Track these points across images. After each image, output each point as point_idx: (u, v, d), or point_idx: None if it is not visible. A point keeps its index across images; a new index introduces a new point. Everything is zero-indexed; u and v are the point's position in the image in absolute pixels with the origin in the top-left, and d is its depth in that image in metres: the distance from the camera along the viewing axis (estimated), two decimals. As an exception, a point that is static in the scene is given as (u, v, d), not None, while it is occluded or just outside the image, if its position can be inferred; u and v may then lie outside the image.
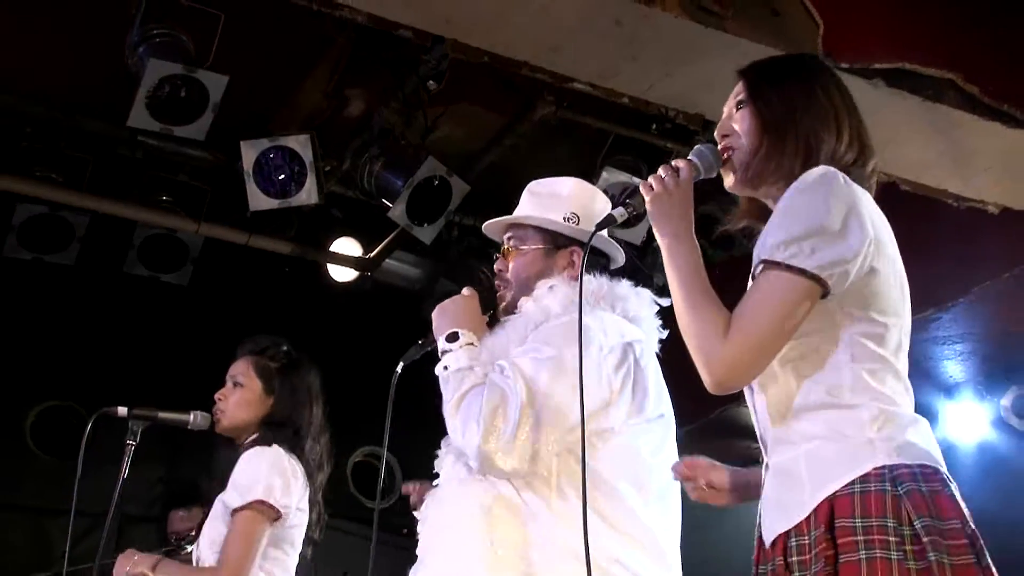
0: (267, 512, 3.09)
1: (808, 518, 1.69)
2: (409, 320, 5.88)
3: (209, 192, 5.13)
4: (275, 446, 3.21)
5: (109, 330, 5.49)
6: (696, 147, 1.99)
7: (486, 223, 2.69)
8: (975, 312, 5.01)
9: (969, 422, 5.79)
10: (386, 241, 5.43)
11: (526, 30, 3.69)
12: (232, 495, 3.12)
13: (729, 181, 1.98)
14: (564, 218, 2.56)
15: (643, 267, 5.25)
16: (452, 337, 2.36)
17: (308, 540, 3.30)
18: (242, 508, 3.07)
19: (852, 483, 1.67)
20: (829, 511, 1.66)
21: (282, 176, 4.65)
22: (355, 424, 3.60)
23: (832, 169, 1.81)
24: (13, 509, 5.26)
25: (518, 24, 3.66)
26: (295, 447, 3.25)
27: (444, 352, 2.36)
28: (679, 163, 1.94)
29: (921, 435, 1.75)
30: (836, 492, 1.67)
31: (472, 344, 2.35)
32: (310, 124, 4.77)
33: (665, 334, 2.47)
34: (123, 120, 4.20)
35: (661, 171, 1.93)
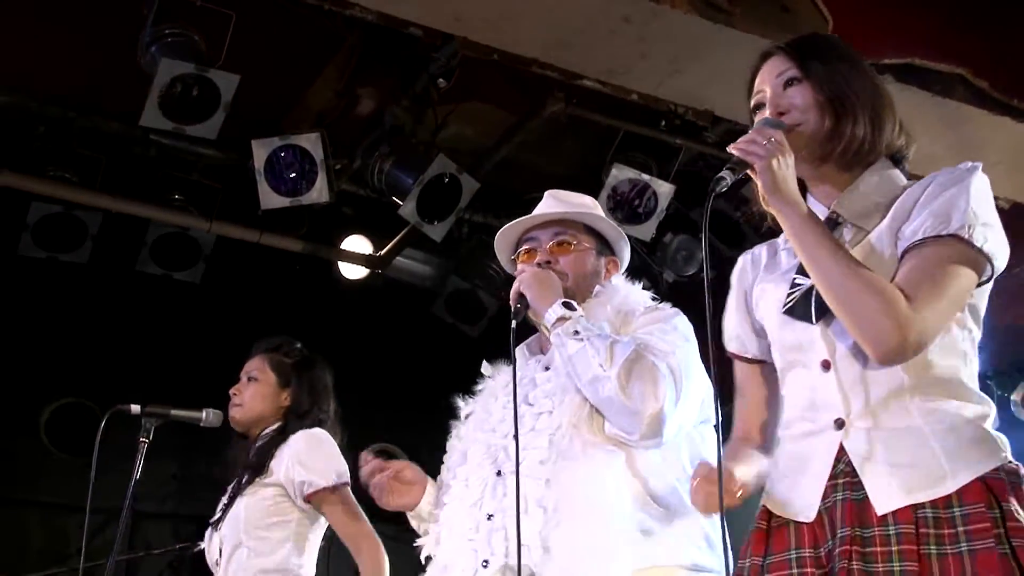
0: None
1: (952, 495, 1.67)
2: (419, 317, 5.93)
3: (221, 190, 5.16)
4: (318, 430, 3.29)
5: (122, 328, 5.52)
6: (763, 119, 1.89)
7: (522, 219, 2.58)
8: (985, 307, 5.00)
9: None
10: (397, 239, 5.44)
11: (535, 28, 3.70)
12: (312, 478, 3.17)
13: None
14: (611, 224, 2.63)
15: (653, 263, 5.27)
16: (568, 305, 2.35)
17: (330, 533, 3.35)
18: (335, 488, 3.18)
19: (997, 470, 1.69)
20: (985, 490, 1.66)
21: (293, 174, 4.67)
22: (365, 420, 3.62)
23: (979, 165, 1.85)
24: (29, 505, 5.30)
25: (527, 22, 3.67)
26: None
27: (562, 319, 2.31)
28: (769, 132, 1.81)
29: None
30: (986, 474, 1.68)
31: (583, 316, 2.35)
32: (321, 122, 4.79)
33: None
34: (136, 119, 4.23)
35: (758, 137, 1.79)
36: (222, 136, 4.36)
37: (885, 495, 1.71)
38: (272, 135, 4.61)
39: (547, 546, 2.19)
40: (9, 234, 5.05)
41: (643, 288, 2.58)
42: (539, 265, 2.49)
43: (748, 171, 1.79)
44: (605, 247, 2.59)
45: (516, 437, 2.24)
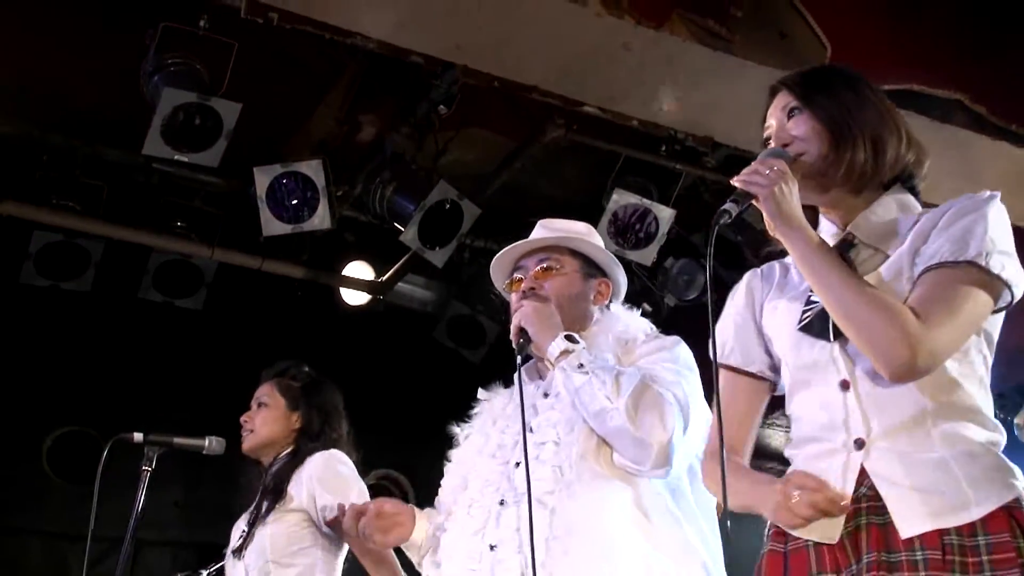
0: None
1: (976, 522, 1.67)
2: (421, 343, 5.93)
3: (223, 218, 5.17)
4: (334, 451, 3.28)
5: (125, 356, 5.52)
6: (767, 149, 1.93)
7: (509, 248, 2.62)
8: (987, 330, 5.00)
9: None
10: (398, 265, 5.45)
11: (536, 55, 3.73)
12: (333, 498, 3.15)
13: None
14: (599, 247, 2.64)
15: (654, 288, 5.27)
16: (571, 338, 2.36)
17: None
18: None
19: (1018, 499, 1.70)
20: (1009, 520, 1.67)
21: (295, 201, 4.68)
22: (368, 447, 3.61)
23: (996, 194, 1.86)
24: (30, 534, 5.27)
25: (528, 50, 3.70)
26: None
27: (566, 352, 2.32)
28: (772, 162, 1.85)
29: None
30: (1009, 504, 1.69)
31: (586, 349, 2.36)
32: (322, 149, 4.81)
33: None
34: (138, 148, 4.25)
35: (761, 167, 1.84)
36: (224, 164, 4.38)
37: (910, 519, 1.71)
38: (274, 162, 4.63)
39: None
40: (11, 262, 5.05)
41: (643, 314, 2.60)
42: (524, 292, 2.52)
43: (752, 201, 1.83)
44: (594, 269, 2.60)
45: (527, 468, 2.24)
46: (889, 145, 1.90)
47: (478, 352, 5.69)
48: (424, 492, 5.75)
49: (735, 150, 4.31)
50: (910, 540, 1.69)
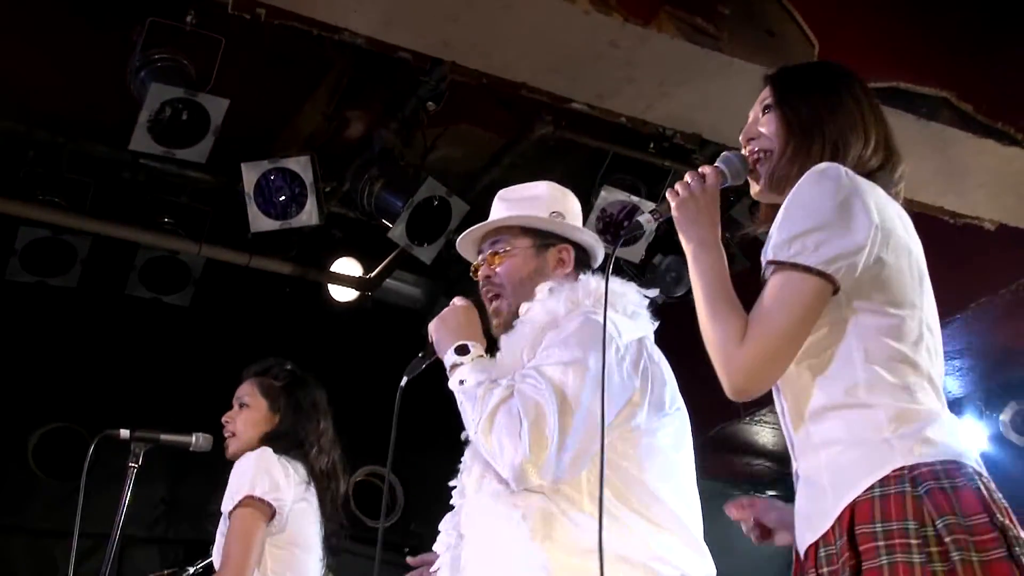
0: (259, 507, 3.11)
1: (833, 527, 1.67)
2: (410, 339, 5.91)
3: (210, 214, 5.16)
4: (262, 447, 3.24)
5: (111, 352, 5.51)
6: (723, 154, 1.98)
7: (464, 234, 2.60)
8: (973, 328, 5.03)
9: (968, 437, 5.80)
10: (386, 261, 5.45)
11: (524, 53, 3.73)
12: (227, 502, 3.15)
13: (755, 188, 1.97)
14: (550, 215, 2.53)
15: (642, 284, 5.28)
16: (461, 350, 2.29)
17: (332, 549, 3.31)
18: (235, 508, 3.11)
19: (872, 488, 1.63)
20: (850, 518, 1.64)
21: (283, 197, 4.67)
22: (357, 444, 3.61)
23: (834, 164, 1.80)
24: (16, 531, 5.26)
25: (516, 47, 3.69)
26: (291, 452, 3.27)
27: (455, 366, 2.28)
28: (705, 170, 1.93)
29: (944, 430, 1.71)
30: (856, 499, 1.64)
31: (482, 356, 2.30)
32: (310, 146, 4.80)
33: (656, 325, 2.45)
34: (125, 143, 4.24)
35: (688, 177, 1.93)
36: (211, 160, 4.37)
37: (801, 537, 1.76)
38: (262, 158, 4.62)
39: None
40: (-3, 258, 5.04)
41: (590, 276, 2.46)
42: (484, 280, 2.50)
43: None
44: (552, 238, 2.51)
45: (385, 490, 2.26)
46: (852, 149, 1.88)
47: (466, 349, 5.68)
48: (412, 489, 5.78)
49: (723, 147, 4.30)
50: (803, 562, 1.75)
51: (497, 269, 2.49)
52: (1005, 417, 5.70)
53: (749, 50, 3.67)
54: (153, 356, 5.57)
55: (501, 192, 2.63)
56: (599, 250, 2.59)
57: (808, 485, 1.76)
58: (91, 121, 4.74)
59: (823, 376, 1.75)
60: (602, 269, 2.53)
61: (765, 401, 2.05)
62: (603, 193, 4.80)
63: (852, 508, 1.64)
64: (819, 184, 1.76)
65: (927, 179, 4.17)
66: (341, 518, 3.35)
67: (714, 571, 2.25)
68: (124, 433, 3.16)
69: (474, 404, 2.20)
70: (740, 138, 1.99)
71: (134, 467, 3.13)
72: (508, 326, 2.43)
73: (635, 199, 4.84)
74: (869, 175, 1.86)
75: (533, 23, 3.55)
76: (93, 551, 4.56)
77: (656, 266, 5.23)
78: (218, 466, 3.45)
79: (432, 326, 2.41)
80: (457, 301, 2.46)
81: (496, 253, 2.51)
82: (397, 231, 4.71)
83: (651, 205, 4.85)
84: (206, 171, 4.78)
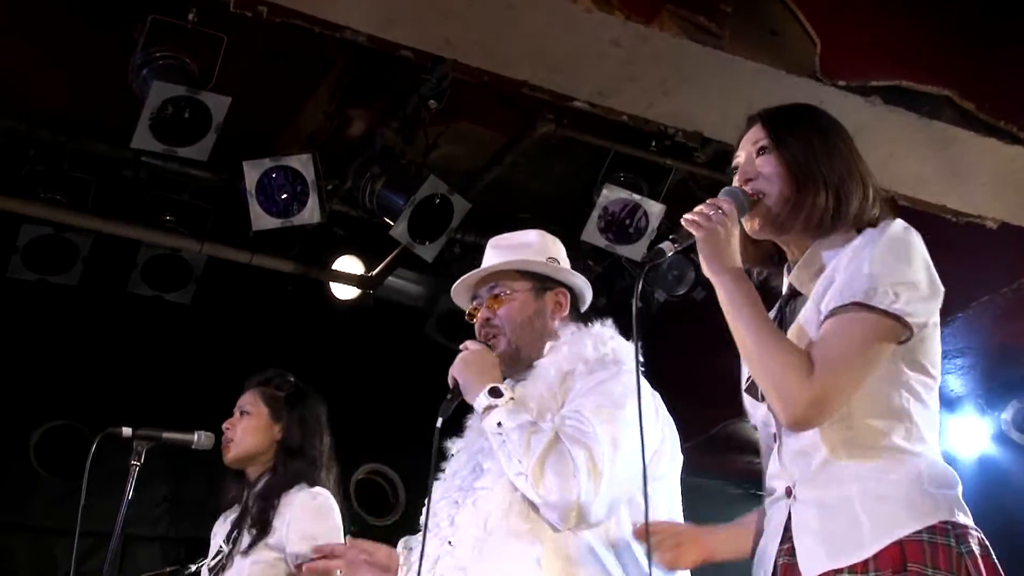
0: None
1: (869, 559, 1.71)
2: (411, 337, 5.93)
3: (212, 212, 5.16)
4: (320, 488, 3.24)
5: (113, 350, 5.51)
6: (727, 188, 1.98)
7: (460, 281, 2.65)
8: (975, 326, 5.03)
9: (970, 436, 5.80)
10: (388, 259, 5.45)
11: (526, 51, 3.72)
12: (303, 545, 3.10)
13: (753, 225, 1.98)
14: (547, 260, 2.60)
15: (645, 283, 5.28)
16: (494, 392, 2.33)
17: None
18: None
19: (920, 532, 1.70)
20: (900, 554, 1.69)
21: (284, 195, 4.67)
22: (358, 441, 3.61)
23: (909, 226, 1.87)
24: (17, 529, 5.26)
25: (518, 45, 3.69)
26: (313, 479, 3.28)
27: (489, 408, 2.31)
28: (721, 202, 1.93)
29: (963, 498, 1.81)
30: (904, 538, 1.70)
31: (514, 399, 2.33)
32: (312, 144, 4.80)
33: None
34: (127, 141, 4.24)
35: (706, 209, 1.92)
36: (213, 158, 4.37)
37: (810, 561, 1.78)
38: (263, 156, 4.62)
39: None
40: (-1, 256, 5.04)
41: (602, 326, 2.52)
42: (483, 323, 2.55)
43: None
44: (549, 282, 2.59)
45: (423, 541, 2.27)
46: (854, 196, 1.92)
47: (468, 347, 5.68)
48: (413, 487, 5.78)
49: (725, 146, 4.31)
50: None
51: (498, 311, 2.55)
52: (1007, 416, 5.70)
53: (751, 49, 3.67)
54: (155, 354, 5.57)
55: (492, 240, 2.69)
56: (588, 294, 2.66)
57: (828, 510, 1.78)
58: (93, 119, 4.74)
59: (868, 418, 1.80)
60: (587, 315, 2.63)
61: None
62: (604, 191, 4.80)
63: (901, 546, 1.70)
64: (902, 241, 1.83)
65: (929, 178, 4.17)
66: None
67: None
68: (126, 431, 3.16)
69: (517, 447, 2.23)
70: (736, 178, 2.00)
71: (136, 465, 3.14)
72: (512, 366, 2.49)
73: (637, 197, 4.84)
74: (869, 223, 1.92)
75: (535, 21, 3.55)
76: (95, 549, 4.57)
77: (658, 265, 5.23)
78: (220, 464, 3.46)
79: (456, 370, 2.45)
80: (471, 345, 2.51)
81: (496, 297, 2.57)
82: (399, 229, 4.71)
83: (652, 203, 4.86)
84: (208, 169, 4.78)
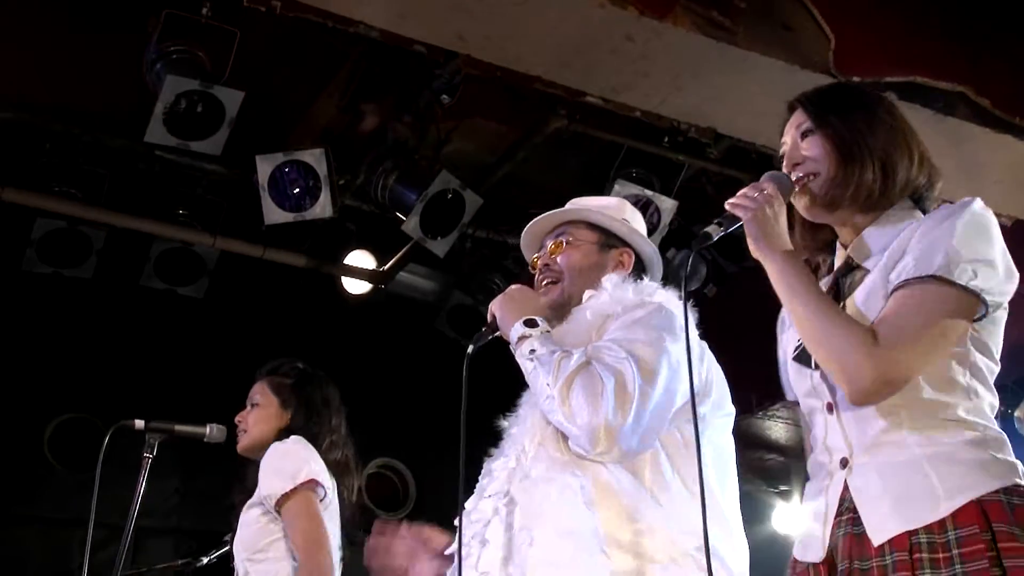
0: (317, 491, 3.14)
1: (946, 519, 1.68)
2: (422, 332, 5.94)
3: (225, 206, 5.18)
4: (293, 436, 3.25)
5: (126, 343, 5.53)
6: (769, 172, 1.97)
7: (531, 224, 2.61)
8: (988, 323, 5.00)
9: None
10: (400, 254, 5.46)
11: (538, 46, 3.72)
12: (272, 487, 3.13)
13: (803, 203, 1.97)
14: (621, 220, 2.58)
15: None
16: (530, 323, 2.29)
17: (350, 539, 3.32)
18: (292, 491, 3.10)
19: (997, 492, 1.69)
20: (980, 513, 1.67)
21: (297, 190, 4.69)
22: (369, 435, 3.62)
23: (987, 207, 1.85)
24: (31, 521, 5.29)
25: (530, 40, 3.69)
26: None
27: (523, 337, 2.27)
28: (764, 184, 1.92)
29: None
30: (982, 497, 1.68)
31: (549, 332, 2.30)
32: (325, 138, 4.81)
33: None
34: (140, 135, 4.25)
35: (749, 191, 1.91)
36: (226, 152, 4.38)
37: (880, 525, 1.74)
38: (276, 151, 4.63)
39: (515, 570, 2.13)
40: (14, 250, 5.07)
41: (646, 284, 2.46)
42: (543, 267, 2.52)
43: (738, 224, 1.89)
44: (615, 240, 2.56)
45: (463, 450, 2.22)
46: (900, 167, 1.92)
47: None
48: (424, 480, 5.79)
49: (738, 141, 4.30)
50: (881, 547, 1.73)
51: (558, 258, 2.52)
52: (1020, 413, 5.67)
53: (765, 44, 3.66)
54: (167, 347, 5.59)
55: (573, 200, 2.65)
56: (657, 264, 2.62)
57: (894, 473, 1.76)
58: (107, 113, 4.76)
59: (937, 390, 1.79)
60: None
61: (778, 396, 2.05)
62: (616, 187, 4.80)
63: (980, 505, 1.68)
64: (981, 220, 1.82)
65: (943, 174, 4.14)
66: (355, 510, 3.37)
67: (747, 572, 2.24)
68: (139, 424, 3.18)
69: (548, 369, 2.19)
70: (783, 165, 2.00)
71: (149, 458, 3.16)
72: (558, 315, 2.44)
73: (649, 193, 4.83)
74: (916, 192, 1.93)
75: (548, 16, 3.55)
76: (108, 541, 4.58)
77: (670, 261, 5.22)
78: (232, 457, 3.47)
79: (496, 303, 2.40)
80: (512, 286, 2.46)
81: (559, 243, 2.54)
82: (411, 224, 4.72)
83: (664, 199, 4.85)
84: (221, 163, 4.79)
